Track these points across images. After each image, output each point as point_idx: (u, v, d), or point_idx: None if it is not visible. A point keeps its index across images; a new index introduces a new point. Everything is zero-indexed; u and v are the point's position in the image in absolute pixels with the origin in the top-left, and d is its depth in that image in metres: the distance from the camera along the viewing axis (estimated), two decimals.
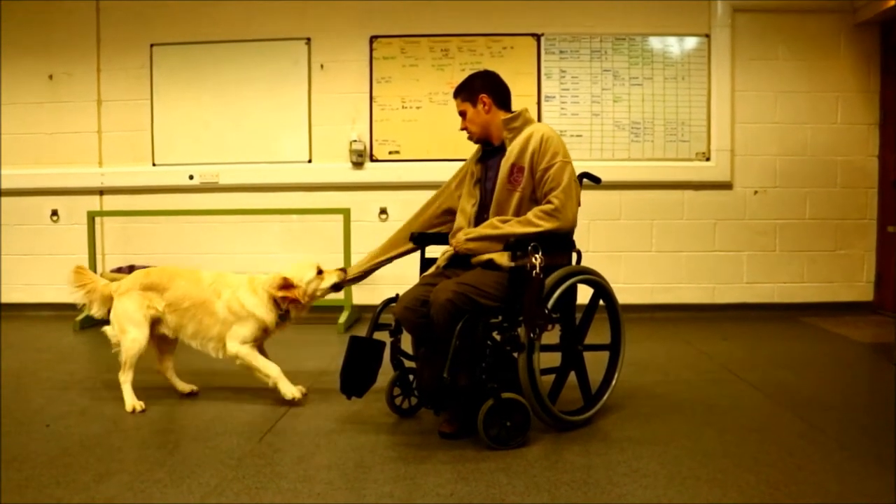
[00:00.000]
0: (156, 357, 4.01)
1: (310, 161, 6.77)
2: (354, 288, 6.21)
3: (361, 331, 3.62)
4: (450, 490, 2.66)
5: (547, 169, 3.28)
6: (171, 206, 6.74)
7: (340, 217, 6.13)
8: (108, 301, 3.91)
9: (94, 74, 6.85)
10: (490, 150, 3.56)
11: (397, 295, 3.38)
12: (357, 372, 3.37)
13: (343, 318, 6.09)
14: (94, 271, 6.23)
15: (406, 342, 3.46)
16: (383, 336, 3.43)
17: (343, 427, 3.43)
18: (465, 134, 3.59)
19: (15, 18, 6.83)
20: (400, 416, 3.58)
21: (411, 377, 3.57)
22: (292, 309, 3.82)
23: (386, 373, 3.51)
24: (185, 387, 4.00)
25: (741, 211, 6.69)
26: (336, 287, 3.85)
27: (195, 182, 6.78)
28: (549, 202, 3.26)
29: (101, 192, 6.90)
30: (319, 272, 3.81)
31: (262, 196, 6.76)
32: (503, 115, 3.48)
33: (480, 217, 3.50)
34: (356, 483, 2.76)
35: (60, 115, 6.88)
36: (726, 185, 6.67)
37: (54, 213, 6.93)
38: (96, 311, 3.93)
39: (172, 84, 6.81)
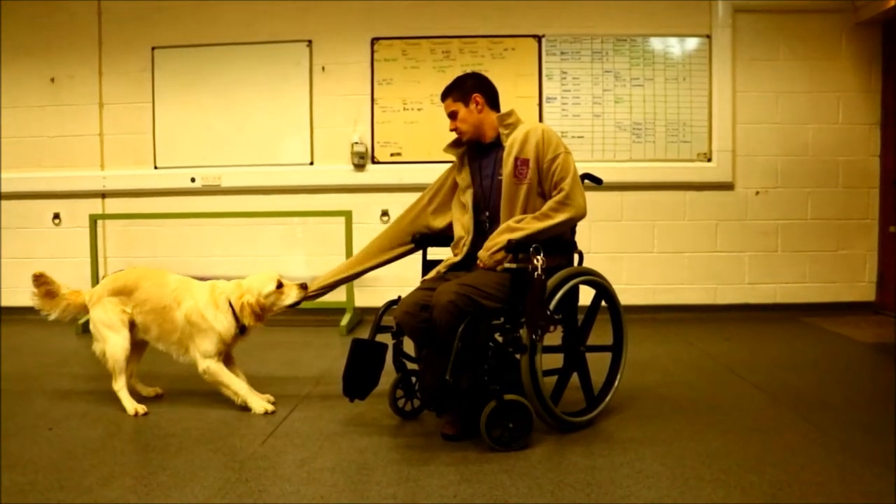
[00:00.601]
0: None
1: (311, 163, 6.78)
2: (356, 290, 6.24)
3: (363, 333, 3.62)
4: (453, 492, 2.66)
5: (553, 159, 3.32)
6: (172, 208, 6.74)
7: (342, 219, 6.13)
8: (81, 309, 3.92)
9: (95, 77, 6.86)
10: (480, 150, 3.56)
11: (399, 297, 3.39)
12: (359, 374, 3.37)
13: (345, 320, 6.09)
14: (97, 274, 6.26)
15: (408, 344, 3.46)
16: (385, 338, 3.43)
17: (346, 429, 3.43)
18: (454, 135, 3.60)
19: (17, 21, 6.84)
20: (403, 418, 3.59)
21: (414, 379, 3.57)
22: (249, 322, 3.74)
23: (388, 375, 3.51)
24: (148, 391, 4.00)
25: (743, 211, 6.69)
26: (294, 304, 3.79)
27: (197, 185, 6.78)
28: (560, 190, 3.28)
29: (104, 195, 6.91)
30: (279, 286, 3.76)
31: (264, 198, 6.77)
32: (495, 115, 3.51)
33: (479, 215, 3.51)
34: (359, 485, 2.76)
35: (62, 118, 6.88)
36: (728, 186, 6.66)
37: (56, 216, 6.94)
38: (55, 316, 3.93)
39: (174, 87, 6.82)
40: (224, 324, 3.71)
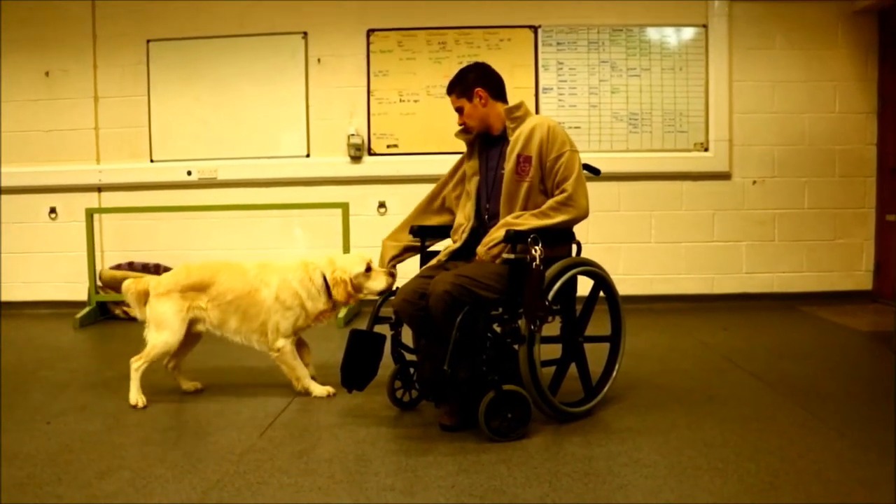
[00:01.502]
0: (169, 360, 3.94)
1: (308, 155, 6.77)
2: None
3: (362, 324, 3.62)
4: (451, 482, 2.67)
5: (557, 158, 3.31)
6: (169, 202, 6.73)
7: (339, 211, 6.12)
8: (142, 297, 3.83)
9: (90, 71, 6.84)
10: (488, 141, 3.56)
11: (397, 288, 3.39)
12: (358, 365, 3.37)
13: (343, 311, 6.09)
14: (94, 268, 6.26)
15: (406, 335, 3.46)
16: (384, 329, 3.44)
17: (344, 420, 3.44)
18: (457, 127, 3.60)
19: (11, 15, 6.80)
20: (401, 408, 3.59)
21: (412, 370, 3.57)
22: (342, 298, 3.71)
23: (387, 366, 3.51)
24: (190, 385, 3.97)
25: (740, 201, 6.69)
26: (381, 292, 3.68)
27: (193, 178, 6.77)
28: (562, 191, 3.28)
29: (100, 188, 6.89)
30: (368, 269, 3.71)
31: (261, 191, 6.76)
32: (502, 106, 3.49)
33: (481, 207, 3.51)
34: (358, 476, 2.76)
35: (57, 112, 6.86)
36: (725, 176, 6.66)
37: (52, 210, 6.93)
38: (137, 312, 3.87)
39: (169, 80, 6.80)
40: (317, 300, 3.74)
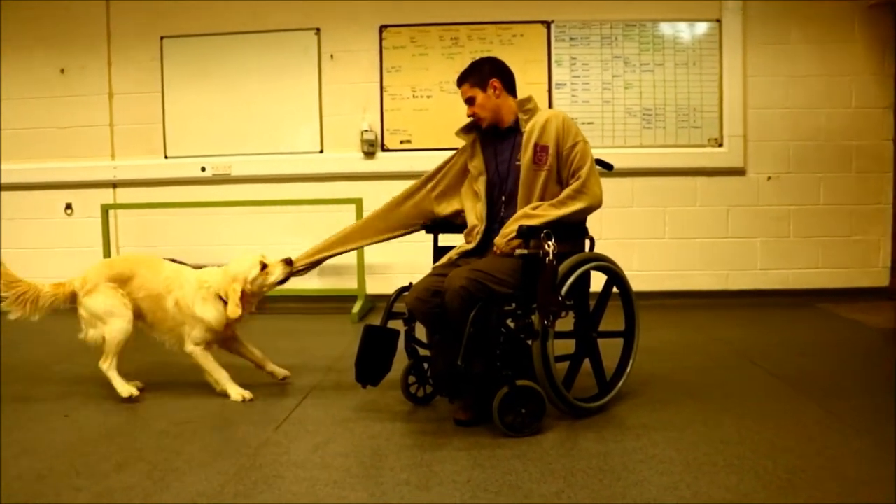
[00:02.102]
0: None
1: (321, 151, 6.78)
2: (368, 277, 6.25)
3: (375, 320, 3.62)
4: (466, 477, 2.67)
5: (573, 146, 3.34)
6: (183, 197, 6.76)
7: (353, 207, 6.13)
8: (68, 300, 3.82)
9: (105, 68, 6.87)
10: (497, 135, 3.55)
11: (411, 284, 3.39)
12: (372, 361, 3.37)
13: (357, 307, 6.11)
14: None
15: (420, 331, 3.46)
16: (397, 325, 3.44)
17: (359, 415, 3.45)
18: (465, 121, 3.60)
19: (26, 13, 6.85)
20: (415, 404, 3.59)
21: (426, 365, 3.57)
22: (236, 313, 3.66)
23: (401, 361, 3.51)
24: (126, 388, 3.74)
25: (754, 197, 6.66)
26: (281, 282, 3.75)
27: (207, 174, 6.80)
28: (577, 178, 3.30)
29: (115, 184, 6.93)
30: (264, 267, 3.72)
31: (274, 187, 6.78)
32: (513, 99, 3.51)
33: (495, 200, 3.50)
34: (373, 470, 2.77)
35: (73, 109, 6.90)
36: (739, 171, 6.63)
37: (68, 206, 6.97)
38: (39, 316, 3.80)
39: (183, 76, 6.83)
40: (213, 314, 3.68)
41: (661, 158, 6.59)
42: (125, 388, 3.70)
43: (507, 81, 3.52)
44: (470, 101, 3.51)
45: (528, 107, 3.49)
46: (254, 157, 6.79)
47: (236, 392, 3.69)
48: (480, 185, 3.54)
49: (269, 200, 6.64)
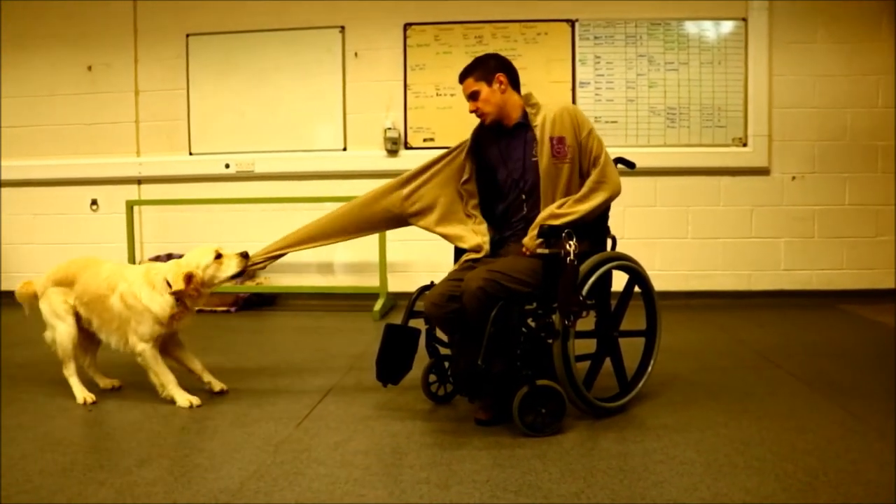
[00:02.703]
0: (79, 353, 3.89)
1: (345, 149, 6.81)
2: (389, 275, 6.26)
3: (397, 318, 3.63)
4: (486, 476, 2.67)
5: (589, 135, 3.32)
6: (207, 194, 6.82)
7: None
8: (33, 299, 3.89)
9: (131, 65, 6.94)
10: (502, 133, 3.51)
11: (432, 282, 3.39)
12: (393, 359, 3.38)
13: (378, 305, 6.12)
14: (133, 260, 6.35)
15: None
16: (419, 323, 3.44)
17: (379, 413, 3.46)
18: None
19: (55, 12, 6.93)
20: (435, 402, 3.60)
21: (446, 364, 3.57)
22: (187, 299, 3.60)
23: (421, 360, 3.52)
24: (106, 382, 3.94)
25: (779, 197, 6.61)
26: (237, 275, 3.68)
27: (231, 171, 6.84)
28: (595, 166, 3.29)
29: (140, 181, 7.00)
30: (218, 257, 3.63)
31: (298, 184, 6.81)
32: (518, 96, 3.46)
33: (513, 200, 3.48)
34: (393, 468, 2.78)
35: (99, 106, 6.98)
36: (764, 171, 6.59)
37: (94, 202, 7.05)
38: (27, 312, 3.95)
39: (208, 73, 6.88)
40: (160, 303, 3.55)
41: (685, 158, 6.56)
42: (81, 394, 3.68)
43: (513, 77, 3.47)
44: (474, 96, 3.45)
45: (533, 101, 3.43)
46: (277, 154, 6.83)
47: (183, 398, 3.59)
48: (476, 209, 3.53)
49: (292, 198, 6.67)
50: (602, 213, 3.39)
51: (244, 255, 3.67)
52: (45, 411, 3.52)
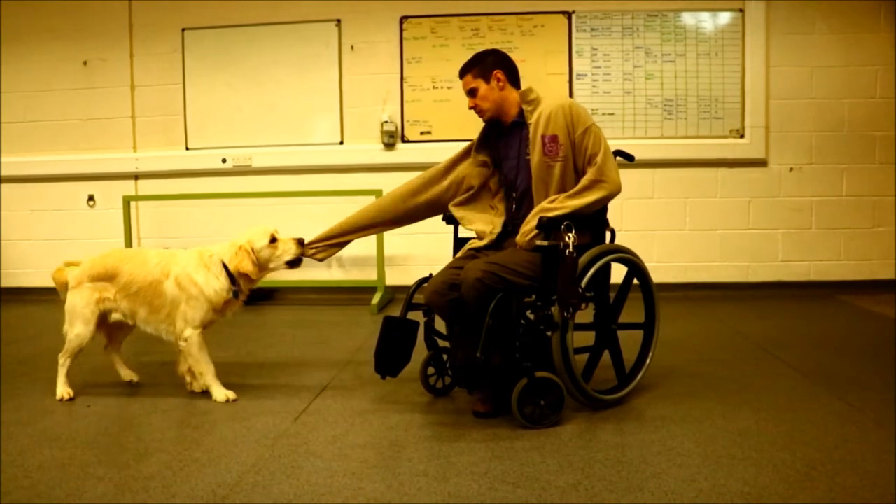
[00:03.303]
0: (105, 342, 3.91)
1: (341, 143, 6.80)
2: (387, 268, 6.26)
3: (395, 311, 3.63)
4: (484, 468, 2.67)
5: (584, 133, 3.26)
6: (204, 189, 6.80)
7: (373, 198, 6.10)
8: (65, 287, 3.77)
9: (127, 60, 6.92)
10: (500, 131, 3.52)
11: (431, 275, 3.39)
12: (391, 352, 3.37)
13: (376, 298, 6.12)
14: None
15: (440, 322, 3.46)
16: (417, 316, 3.44)
17: (377, 406, 3.46)
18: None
19: (50, 7, 6.91)
20: (434, 395, 3.60)
21: (445, 357, 3.58)
22: (243, 283, 3.56)
23: (420, 352, 3.52)
24: (126, 374, 3.89)
25: (776, 188, 6.61)
26: (292, 263, 3.57)
27: (228, 165, 6.83)
28: (593, 165, 3.24)
29: (136, 176, 6.99)
30: (273, 241, 3.55)
31: (295, 178, 6.80)
32: (517, 92, 3.44)
33: (508, 198, 3.49)
34: (391, 461, 2.78)
35: (95, 101, 6.96)
36: (761, 163, 6.59)
37: (91, 198, 7.04)
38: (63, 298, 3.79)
39: (204, 68, 6.87)
40: (215, 286, 3.51)
41: (683, 149, 6.56)
42: (62, 389, 3.65)
43: (511, 73, 3.45)
44: (472, 93, 3.44)
45: (530, 97, 3.39)
46: (274, 148, 6.82)
47: (220, 392, 3.56)
48: (496, 200, 3.54)
49: (289, 192, 6.67)
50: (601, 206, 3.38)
51: (300, 242, 3.57)
52: (43, 407, 3.52)
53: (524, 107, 3.40)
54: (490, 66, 3.42)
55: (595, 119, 3.37)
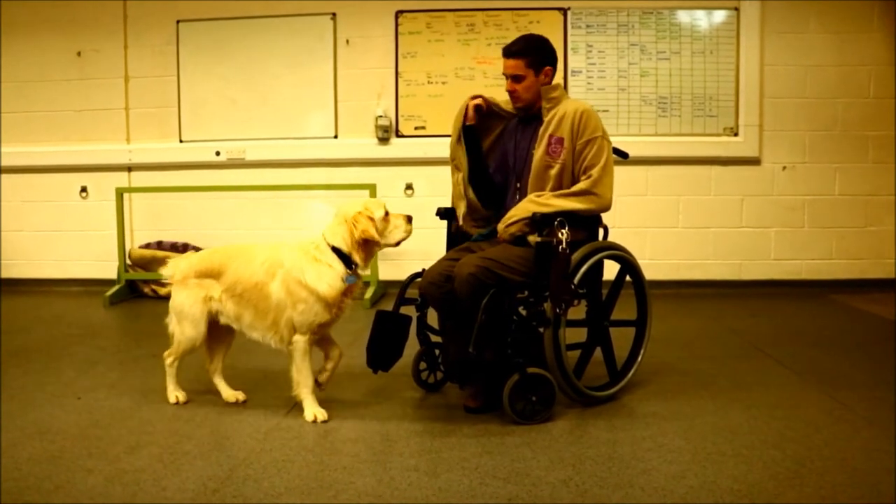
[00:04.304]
0: (205, 356, 3.53)
1: (336, 137, 6.78)
2: (380, 263, 6.25)
3: (388, 306, 3.64)
4: (475, 464, 2.68)
5: (587, 143, 3.28)
6: (198, 182, 6.78)
7: (366, 193, 6.13)
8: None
9: (121, 51, 6.89)
10: (522, 120, 3.52)
11: (423, 269, 3.39)
12: (383, 347, 3.38)
13: (369, 293, 6.12)
14: (123, 247, 6.33)
15: (432, 317, 3.46)
16: (409, 311, 3.44)
17: (369, 401, 3.46)
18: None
19: None
20: (426, 390, 3.61)
21: (437, 352, 3.58)
22: (360, 258, 3.19)
23: (412, 347, 3.52)
24: (231, 394, 3.48)
25: (769, 187, 6.62)
26: (398, 243, 3.29)
27: (222, 158, 6.81)
28: (588, 176, 3.25)
29: (130, 168, 6.96)
30: (386, 214, 3.24)
31: (289, 172, 6.78)
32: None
33: (509, 187, 3.49)
34: (382, 456, 2.78)
35: (88, 92, 6.92)
36: (754, 161, 6.59)
37: (83, 189, 7.00)
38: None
39: (199, 60, 6.84)
40: (328, 278, 3.14)
41: (676, 147, 6.56)
42: (172, 392, 3.43)
43: (556, 70, 3.47)
44: (517, 80, 3.40)
45: (551, 95, 3.41)
46: (268, 141, 6.80)
47: (311, 409, 3.21)
48: (464, 187, 3.54)
49: (283, 185, 6.66)
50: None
51: (409, 219, 3.29)
52: (34, 400, 3.51)
53: (543, 104, 3.42)
54: (545, 59, 3.42)
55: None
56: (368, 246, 3.20)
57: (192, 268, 3.36)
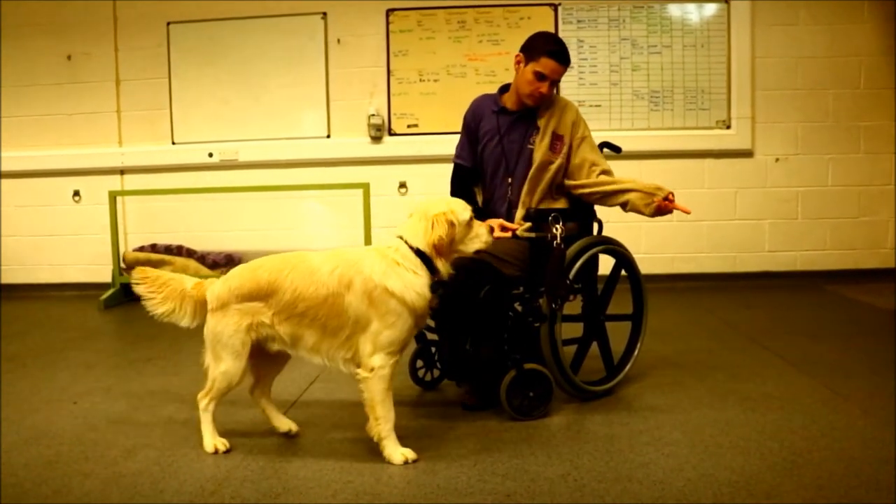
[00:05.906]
0: (251, 383, 3.05)
1: (328, 136, 6.77)
2: None
3: None
4: (473, 460, 2.68)
5: (582, 139, 3.38)
6: (191, 184, 6.76)
7: (360, 192, 6.12)
8: (202, 308, 2.87)
9: (111, 54, 6.87)
10: (508, 113, 3.48)
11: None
12: None
13: None
14: (117, 251, 6.31)
15: None
16: None
17: None
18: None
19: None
20: (423, 388, 3.61)
21: (434, 349, 3.58)
22: (441, 265, 2.76)
23: (409, 345, 3.50)
24: (283, 423, 3.05)
25: (762, 179, 6.63)
26: (477, 252, 2.93)
27: (215, 160, 6.80)
28: (604, 170, 3.40)
29: (122, 171, 6.94)
30: (470, 220, 2.87)
31: (282, 172, 6.77)
32: None
33: (500, 178, 3.46)
34: (379, 455, 2.77)
35: (80, 96, 6.90)
36: (747, 153, 6.60)
37: (76, 193, 6.98)
38: (188, 321, 2.88)
39: (190, 62, 6.82)
40: (417, 286, 2.71)
41: (669, 141, 6.57)
42: (210, 442, 2.87)
43: None
44: (554, 84, 3.38)
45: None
46: (261, 142, 6.78)
47: (400, 451, 2.74)
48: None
49: (276, 186, 6.65)
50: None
51: (491, 230, 2.95)
52: (30, 404, 3.50)
53: None
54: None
55: (581, 111, 3.46)
56: (448, 251, 2.80)
57: (232, 293, 2.79)
